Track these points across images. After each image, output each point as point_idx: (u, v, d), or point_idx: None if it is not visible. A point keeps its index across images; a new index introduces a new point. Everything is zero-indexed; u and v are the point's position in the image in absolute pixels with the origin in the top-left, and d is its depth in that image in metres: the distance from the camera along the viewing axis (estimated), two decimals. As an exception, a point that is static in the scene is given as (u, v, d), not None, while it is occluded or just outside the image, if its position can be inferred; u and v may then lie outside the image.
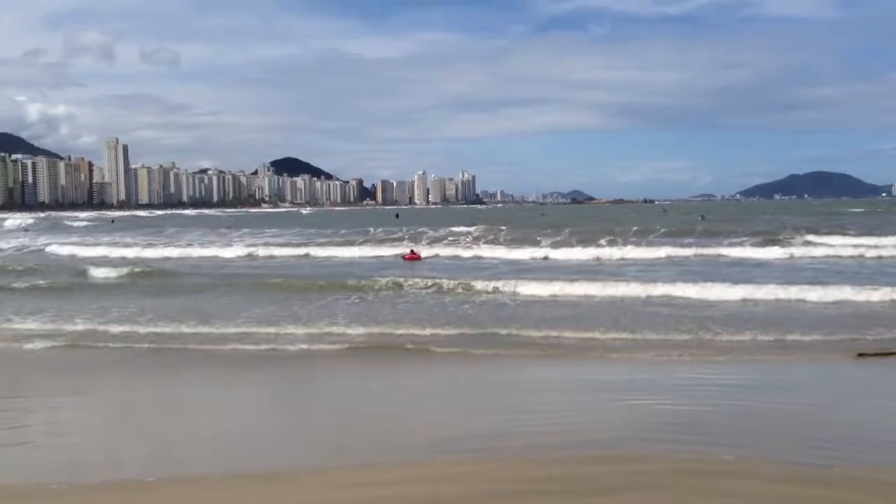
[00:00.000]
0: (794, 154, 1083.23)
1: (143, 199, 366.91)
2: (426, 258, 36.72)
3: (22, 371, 13.78)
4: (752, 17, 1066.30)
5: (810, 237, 42.24)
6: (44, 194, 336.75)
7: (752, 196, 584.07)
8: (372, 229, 60.68)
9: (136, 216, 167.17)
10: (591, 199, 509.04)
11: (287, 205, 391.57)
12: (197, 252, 42.48)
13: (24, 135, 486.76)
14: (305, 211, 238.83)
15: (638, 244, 38.91)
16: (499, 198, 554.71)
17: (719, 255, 34.32)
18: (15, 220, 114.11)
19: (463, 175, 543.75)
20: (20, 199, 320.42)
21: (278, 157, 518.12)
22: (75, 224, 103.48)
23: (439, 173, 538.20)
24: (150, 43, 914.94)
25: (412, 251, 37.66)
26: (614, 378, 12.21)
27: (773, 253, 34.83)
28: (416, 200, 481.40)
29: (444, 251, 39.42)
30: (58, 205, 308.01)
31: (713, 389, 11.20)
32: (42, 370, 13.83)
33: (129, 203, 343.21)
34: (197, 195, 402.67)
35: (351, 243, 45.36)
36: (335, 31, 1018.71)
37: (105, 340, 16.05)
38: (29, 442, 9.02)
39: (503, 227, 54.83)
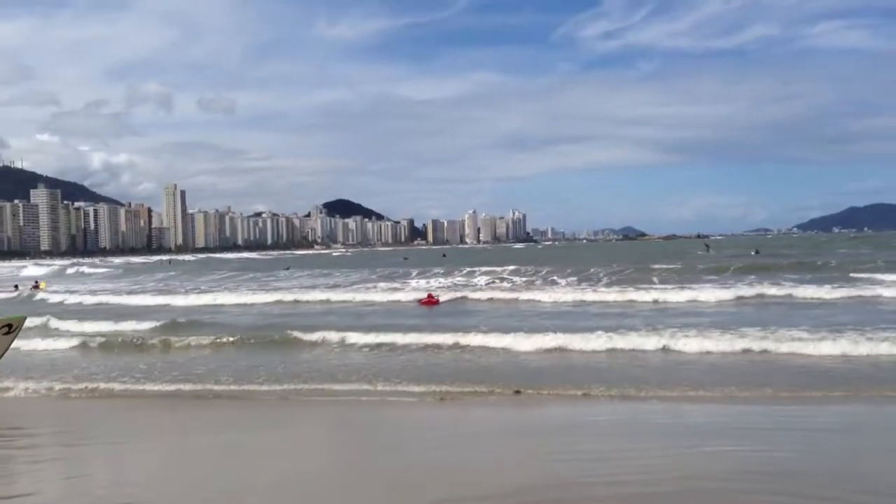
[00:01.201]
0: (852, 186, 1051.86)
1: (200, 242, 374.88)
2: (445, 302, 34.19)
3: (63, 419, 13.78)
4: (806, 50, 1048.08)
5: (877, 275, 36.97)
6: (105, 240, 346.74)
7: (810, 230, 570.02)
8: (409, 270, 60.62)
9: (177, 259, 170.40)
10: (644, 234, 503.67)
11: (339, 246, 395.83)
12: (194, 300, 40.48)
13: (86, 183, 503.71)
14: (336, 253, 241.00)
15: (679, 285, 36.08)
16: (550, 235, 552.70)
17: (762, 294, 31.47)
18: (31, 269, 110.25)
19: (513, 213, 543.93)
20: (83, 245, 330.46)
21: (331, 199, 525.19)
22: (95, 271, 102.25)
23: (489, 212, 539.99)
24: (207, 92, 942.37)
25: (429, 295, 35.21)
26: (687, 422, 11.55)
27: (838, 293, 30.78)
28: (466, 239, 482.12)
29: (470, 294, 37.03)
30: (118, 250, 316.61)
31: (802, 435, 10.40)
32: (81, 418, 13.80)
33: (186, 247, 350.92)
34: (252, 238, 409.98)
35: (374, 287, 43.50)
36: (386, 76, 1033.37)
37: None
38: (86, 493, 8.78)
39: (542, 268, 53.84)
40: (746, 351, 17.35)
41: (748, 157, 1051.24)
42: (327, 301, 37.40)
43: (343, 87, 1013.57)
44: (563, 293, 35.34)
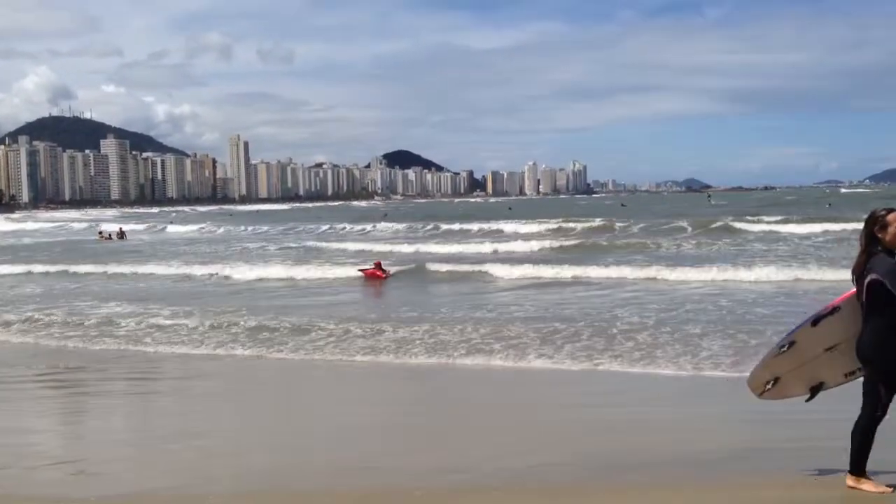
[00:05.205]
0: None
1: (263, 193, 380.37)
2: (394, 274, 27.29)
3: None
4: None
5: None
6: (172, 190, 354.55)
7: (883, 181, 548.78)
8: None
9: (263, 210, 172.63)
10: (708, 186, 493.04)
11: (398, 197, 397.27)
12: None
13: (152, 133, 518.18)
14: (365, 204, 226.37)
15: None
16: (610, 187, 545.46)
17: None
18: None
19: (574, 165, 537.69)
20: (150, 195, 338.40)
21: (390, 150, 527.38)
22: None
23: (549, 163, 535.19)
24: (266, 42, 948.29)
25: (377, 264, 27.60)
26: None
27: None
28: (526, 191, 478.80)
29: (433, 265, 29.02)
30: (184, 200, 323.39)
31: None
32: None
33: (250, 197, 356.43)
34: (313, 189, 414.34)
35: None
36: (446, 25, 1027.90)
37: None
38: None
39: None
40: None
41: (819, 107, 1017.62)
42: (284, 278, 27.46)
43: (404, 36, 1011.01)
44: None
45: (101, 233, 61.61)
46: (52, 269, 32.11)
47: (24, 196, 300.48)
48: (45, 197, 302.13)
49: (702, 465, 7.24)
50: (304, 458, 8.04)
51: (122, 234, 60.06)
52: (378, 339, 14.58)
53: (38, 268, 32.60)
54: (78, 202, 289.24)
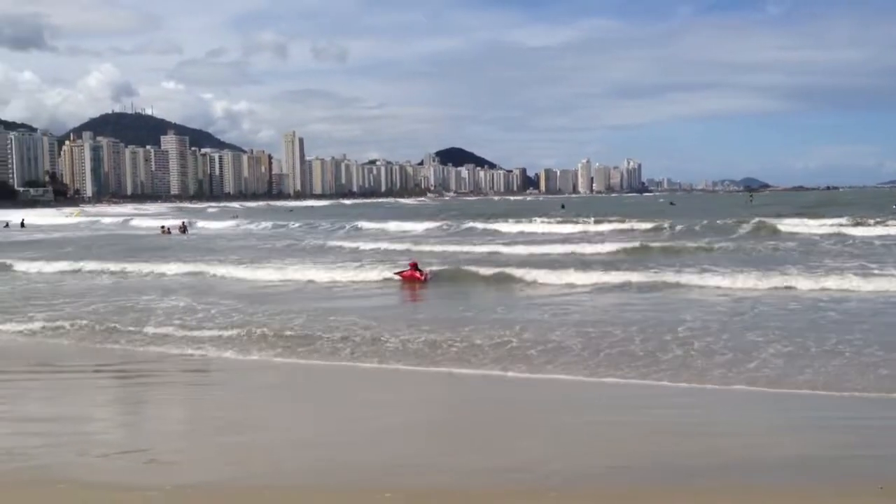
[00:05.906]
0: None
1: (317, 189, 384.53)
2: (432, 276, 25.83)
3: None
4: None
5: None
6: (229, 185, 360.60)
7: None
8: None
9: (310, 206, 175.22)
10: (767, 186, 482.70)
11: (451, 194, 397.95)
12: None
13: (210, 130, 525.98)
14: (414, 201, 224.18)
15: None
16: (665, 186, 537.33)
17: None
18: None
19: (628, 163, 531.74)
20: (209, 191, 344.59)
21: (443, 148, 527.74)
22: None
23: (603, 161, 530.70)
24: (320, 40, 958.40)
25: (413, 265, 26.36)
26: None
27: None
28: (579, 189, 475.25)
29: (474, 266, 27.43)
30: (241, 195, 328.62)
31: None
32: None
33: (304, 193, 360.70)
34: (366, 185, 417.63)
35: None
36: (499, 23, 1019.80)
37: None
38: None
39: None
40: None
41: (882, 105, 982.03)
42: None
43: (456, 34, 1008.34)
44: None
45: (162, 227, 63.18)
46: (112, 266, 30.87)
47: (88, 190, 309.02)
48: (108, 191, 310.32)
49: (760, 473, 7.24)
50: (357, 457, 8.24)
51: (184, 229, 61.55)
52: (416, 343, 14.50)
53: (103, 265, 31.39)
54: (139, 196, 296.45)
